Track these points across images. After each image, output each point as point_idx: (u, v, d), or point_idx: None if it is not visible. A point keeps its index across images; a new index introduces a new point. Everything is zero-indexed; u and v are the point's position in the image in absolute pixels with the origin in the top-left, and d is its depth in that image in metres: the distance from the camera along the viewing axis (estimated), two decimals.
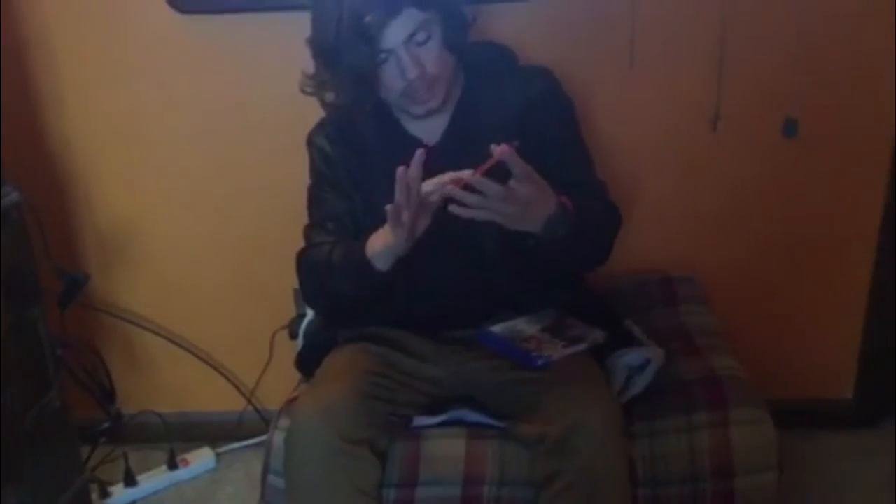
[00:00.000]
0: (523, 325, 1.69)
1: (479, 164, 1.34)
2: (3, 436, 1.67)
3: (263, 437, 1.79)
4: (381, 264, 1.51)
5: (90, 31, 2.08)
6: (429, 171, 1.39)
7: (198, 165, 2.19)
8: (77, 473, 1.98)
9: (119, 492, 2.21)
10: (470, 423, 1.66)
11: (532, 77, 1.70)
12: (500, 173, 1.34)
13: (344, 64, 1.54)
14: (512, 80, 1.69)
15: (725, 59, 2.02)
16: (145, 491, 2.23)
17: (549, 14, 2.02)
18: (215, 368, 2.36)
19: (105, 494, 2.19)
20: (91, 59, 2.10)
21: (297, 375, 1.85)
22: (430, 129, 1.65)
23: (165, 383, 2.39)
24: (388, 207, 1.39)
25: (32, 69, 2.11)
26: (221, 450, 2.37)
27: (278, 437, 1.62)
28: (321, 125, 1.73)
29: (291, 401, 1.72)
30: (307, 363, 1.78)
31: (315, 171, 1.72)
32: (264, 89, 2.10)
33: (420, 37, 1.52)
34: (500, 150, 1.32)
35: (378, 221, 1.47)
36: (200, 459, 2.32)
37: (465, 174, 1.35)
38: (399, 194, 1.37)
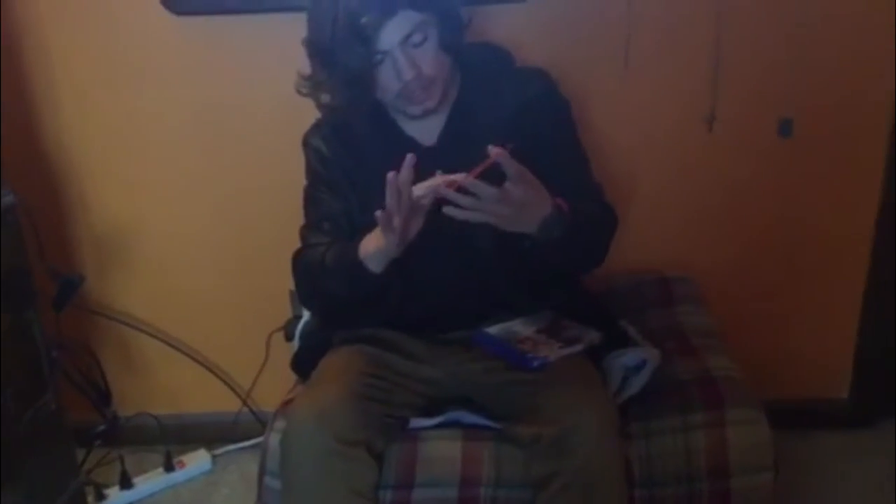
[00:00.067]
0: (519, 327, 1.69)
1: (475, 164, 1.34)
2: (2, 437, 1.67)
3: (259, 439, 1.78)
4: (374, 266, 1.51)
5: (85, 32, 2.07)
6: (425, 172, 1.39)
7: (193, 167, 2.19)
8: (73, 476, 1.98)
9: (115, 494, 2.21)
10: (466, 425, 1.66)
11: (528, 78, 1.70)
12: (495, 175, 1.34)
13: (340, 65, 1.54)
14: (508, 81, 1.69)
15: (721, 59, 2.02)
16: (141, 493, 2.23)
17: (545, 15, 2.02)
18: (211, 370, 2.36)
19: (101, 497, 2.19)
20: (86, 61, 2.10)
21: (293, 377, 1.85)
22: (426, 130, 1.65)
23: (161, 385, 2.39)
24: (378, 213, 1.39)
25: (27, 70, 2.11)
26: (217, 451, 2.37)
27: (274, 439, 1.61)
28: (317, 126, 1.73)
29: (287, 402, 1.72)
30: (303, 365, 1.78)
31: (311, 172, 1.72)
32: (260, 91, 2.09)
33: (416, 38, 1.52)
34: (494, 152, 1.32)
35: (373, 222, 1.47)
36: (196, 461, 2.32)
37: (458, 177, 1.35)
38: (390, 199, 1.37)
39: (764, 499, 1.61)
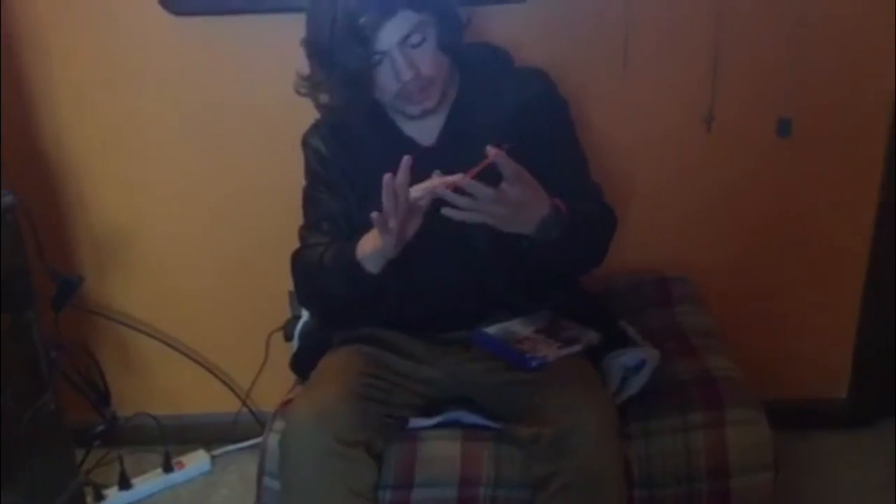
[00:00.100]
0: (518, 327, 1.69)
1: (474, 164, 1.34)
2: (3, 437, 1.66)
3: (258, 440, 1.78)
4: (372, 267, 1.51)
5: (84, 32, 2.07)
6: (424, 172, 1.39)
7: (192, 167, 2.19)
8: (71, 476, 1.98)
9: (114, 495, 2.20)
10: (466, 425, 1.66)
11: (527, 79, 1.70)
12: (493, 175, 1.34)
13: (338, 65, 1.54)
14: (507, 81, 1.69)
15: (719, 59, 2.02)
16: (140, 494, 2.23)
17: (543, 15, 2.02)
18: (210, 370, 2.36)
19: (100, 497, 2.18)
20: (84, 61, 2.10)
21: (293, 377, 1.85)
22: (425, 130, 1.65)
23: (160, 385, 2.38)
24: (374, 216, 1.38)
25: (26, 70, 2.10)
26: (216, 452, 2.37)
27: (273, 440, 1.61)
28: (316, 126, 1.73)
29: (286, 403, 1.72)
30: (302, 365, 1.78)
31: (310, 172, 1.72)
32: (259, 91, 2.09)
33: (414, 39, 1.52)
34: (491, 153, 1.32)
35: (368, 229, 1.47)
36: (195, 462, 2.32)
37: (455, 178, 1.35)
38: (386, 201, 1.37)
39: (763, 499, 1.61)
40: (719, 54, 2.01)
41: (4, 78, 2.06)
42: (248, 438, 2.34)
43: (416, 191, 1.40)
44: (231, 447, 2.37)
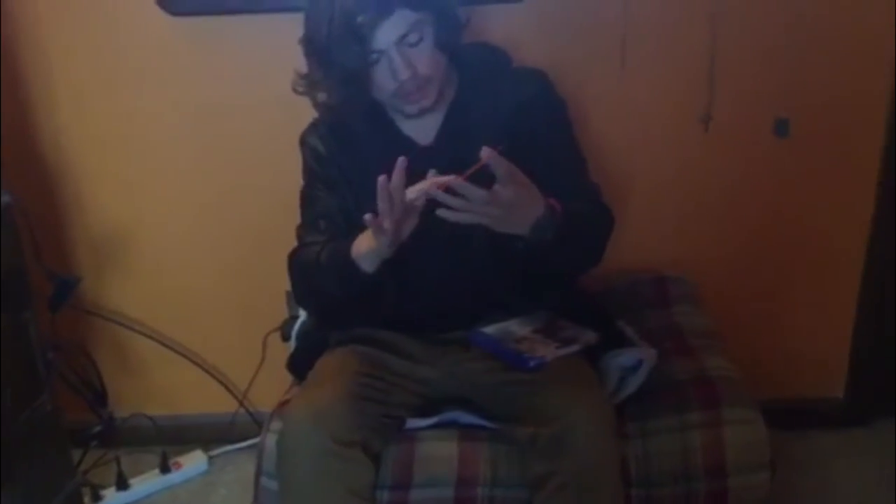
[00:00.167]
0: (515, 327, 1.69)
1: (472, 164, 1.33)
2: (3, 437, 1.66)
3: (256, 440, 1.78)
4: (367, 266, 1.51)
5: (82, 32, 2.07)
6: (422, 171, 1.39)
7: (189, 167, 2.18)
8: (69, 477, 1.97)
9: (111, 495, 2.20)
10: (463, 425, 1.66)
11: (525, 78, 1.70)
12: (487, 176, 1.34)
13: (336, 64, 1.54)
14: (505, 81, 1.69)
15: (717, 59, 2.02)
16: (137, 494, 2.22)
17: (541, 15, 2.02)
18: (207, 371, 2.35)
19: (97, 498, 2.18)
20: (83, 61, 2.10)
21: (290, 378, 1.85)
22: (423, 130, 1.65)
23: (157, 386, 2.38)
24: (367, 217, 1.38)
25: (24, 71, 2.10)
26: (214, 452, 2.36)
27: (271, 440, 1.61)
28: (314, 125, 1.73)
29: (284, 403, 1.72)
30: (299, 365, 1.78)
31: (308, 171, 1.72)
32: (256, 91, 2.09)
33: (412, 38, 1.52)
34: (484, 154, 1.32)
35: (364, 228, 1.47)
36: (193, 462, 2.31)
37: (449, 178, 1.35)
38: (381, 203, 1.37)
39: (760, 498, 1.62)
40: (716, 54, 2.02)
41: (3, 79, 2.05)
42: (245, 439, 2.34)
43: (412, 192, 1.39)
44: (228, 447, 2.37)
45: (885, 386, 2.27)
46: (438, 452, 1.61)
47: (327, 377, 1.61)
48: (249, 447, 2.27)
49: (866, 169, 2.12)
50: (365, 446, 1.51)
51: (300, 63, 1.62)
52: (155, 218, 2.23)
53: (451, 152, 1.45)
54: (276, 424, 1.64)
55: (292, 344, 1.96)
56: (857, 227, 2.17)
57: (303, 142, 1.73)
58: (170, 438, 2.35)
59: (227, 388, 2.36)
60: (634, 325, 1.87)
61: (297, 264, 1.67)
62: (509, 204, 1.38)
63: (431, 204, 1.38)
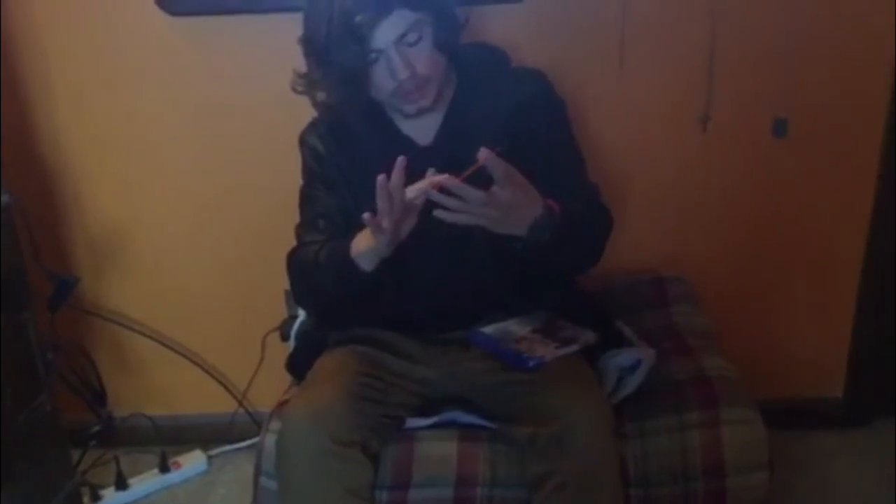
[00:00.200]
0: (514, 327, 1.69)
1: (471, 163, 1.33)
2: (2, 436, 1.66)
3: (255, 440, 1.78)
4: (366, 265, 1.50)
5: (80, 32, 2.07)
6: (421, 171, 1.39)
7: (188, 167, 2.18)
8: (68, 477, 1.97)
9: (110, 495, 2.20)
10: (462, 425, 1.66)
11: (525, 78, 1.70)
12: (486, 177, 1.34)
13: (334, 63, 1.54)
14: (504, 81, 1.69)
15: (715, 59, 2.02)
16: (136, 494, 2.22)
17: (540, 16, 2.02)
18: (206, 371, 2.35)
19: (96, 498, 2.18)
20: (81, 61, 2.10)
21: (289, 378, 1.85)
22: (422, 129, 1.65)
23: (156, 386, 2.38)
24: (366, 217, 1.38)
25: (23, 71, 2.10)
26: (213, 452, 2.36)
27: (270, 440, 1.62)
28: (313, 125, 1.73)
29: (283, 403, 1.72)
30: (298, 365, 1.78)
31: (307, 170, 1.72)
32: (255, 91, 2.09)
33: (411, 37, 1.52)
34: (482, 156, 1.32)
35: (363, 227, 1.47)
36: (192, 462, 2.31)
37: (444, 178, 1.35)
38: (381, 201, 1.37)
39: (759, 498, 1.62)
40: (715, 54, 2.02)
41: (2, 78, 2.05)
42: (244, 439, 2.34)
43: (412, 191, 1.39)
44: (227, 447, 2.37)
45: (884, 386, 2.27)
46: (437, 452, 1.61)
47: (326, 377, 1.61)
48: (248, 447, 2.27)
49: (865, 168, 2.12)
50: (364, 446, 1.51)
51: (299, 63, 1.62)
52: (154, 218, 2.23)
53: (450, 152, 1.46)
54: (275, 424, 1.64)
55: (291, 344, 1.96)
56: (856, 227, 2.17)
57: (302, 141, 1.73)
58: (169, 438, 2.35)
59: (226, 387, 2.36)
60: (633, 324, 1.87)
61: (296, 263, 1.67)
62: (507, 205, 1.38)
63: (429, 205, 1.38)
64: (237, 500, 2.20)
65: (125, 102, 2.13)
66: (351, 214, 1.64)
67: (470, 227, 1.39)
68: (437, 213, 1.37)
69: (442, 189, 1.34)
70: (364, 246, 1.49)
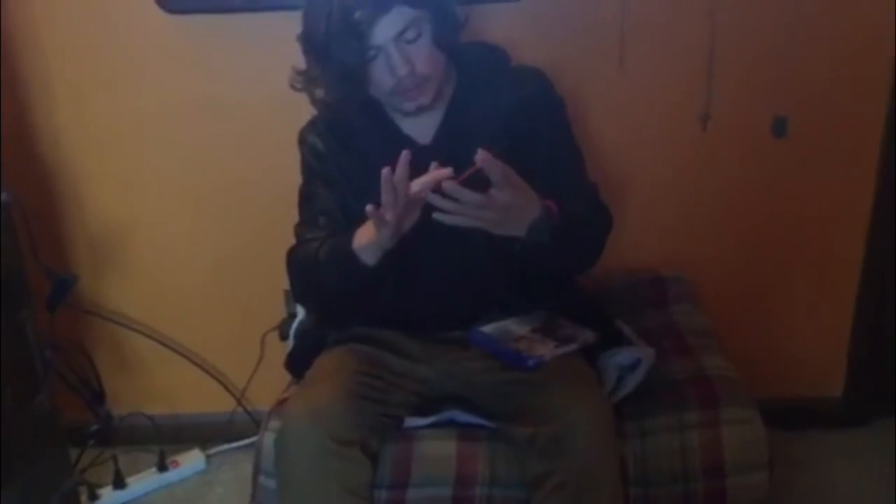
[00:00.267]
0: (514, 326, 1.69)
1: (470, 162, 1.33)
2: (1, 435, 1.66)
3: (254, 439, 1.78)
4: (368, 258, 1.50)
5: (80, 31, 2.07)
6: (421, 170, 1.39)
7: (187, 166, 2.18)
8: (66, 476, 1.97)
9: (108, 494, 2.20)
10: (461, 424, 1.66)
11: (524, 77, 1.70)
12: (484, 178, 1.34)
13: (333, 60, 1.53)
14: (504, 80, 1.68)
15: (715, 58, 2.02)
16: (135, 493, 2.22)
17: (540, 14, 2.02)
18: (205, 370, 2.35)
19: (94, 497, 2.18)
20: (81, 60, 2.09)
21: (288, 376, 1.85)
22: (422, 128, 1.65)
23: (155, 385, 2.38)
24: (369, 209, 1.38)
25: (22, 70, 2.10)
26: (211, 451, 2.36)
27: (268, 439, 1.61)
28: (313, 123, 1.73)
29: (281, 402, 1.72)
30: (297, 364, 1.78)
31: (306, 168, 1.72)
32: (255, 90, 2.09)
33: (410, 34, 1.52)
34: (479, 158, 1.31)
35: (367, 219, 1.47)
36: (190, 461, 2.31)
37: (445, 171, 1.35)
38: (385, 195, 1.37)
39: (758, 498, 1.62)
40: (715, 53, 2.02)
41: (2, 78, 2.05)
42: (243, 438, 2.33)
43: (416, 185, 1.39)
44: (226, 446, 2.37)
45: (883, 385, 2.27)
46: (437, 451, 1.61)
47: (325, 376, 1.61)
48: (247, 446, 2.27)
49: (865, 167, 2.12)
50: (363, 445, 1.51)
51: (298, 62, 1.62)
52: (153, 217, 2.23)
53: (449, 151, 1.45)
54: (274, 423, 1.64)
55: (290, 343, 1.96)
56: (856, 226, 2.17)
57: (302, 139, 1.72)
58: (167, 437, 2.35)
59: (225, 386, 2.36)
60: (633, 324, 1.87)
61: (296, 261, 1.66)
62: (505, 207, 1.38)
63: (429, 207, 1.38)
64: (236, 499, 2.19)
65: (125, 101, 2.13)
66: (351, 212, 1.64)
67: (469, 227, 1.39)
68: (436, 215, 1.37)
69: (440, 191, 1.34)
70: (366, 239, 1.49)
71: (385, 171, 1.35)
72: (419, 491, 1.59)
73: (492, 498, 1.58)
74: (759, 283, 2.23)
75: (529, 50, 1.89)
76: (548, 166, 1.58)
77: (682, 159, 2.12)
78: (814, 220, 2.17)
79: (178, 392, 2.39)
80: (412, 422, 1.65)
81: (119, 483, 2.20)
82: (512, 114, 1.63)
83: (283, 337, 2.07)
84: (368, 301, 1.61)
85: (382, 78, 1.55)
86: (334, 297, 1.63)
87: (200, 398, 2.37)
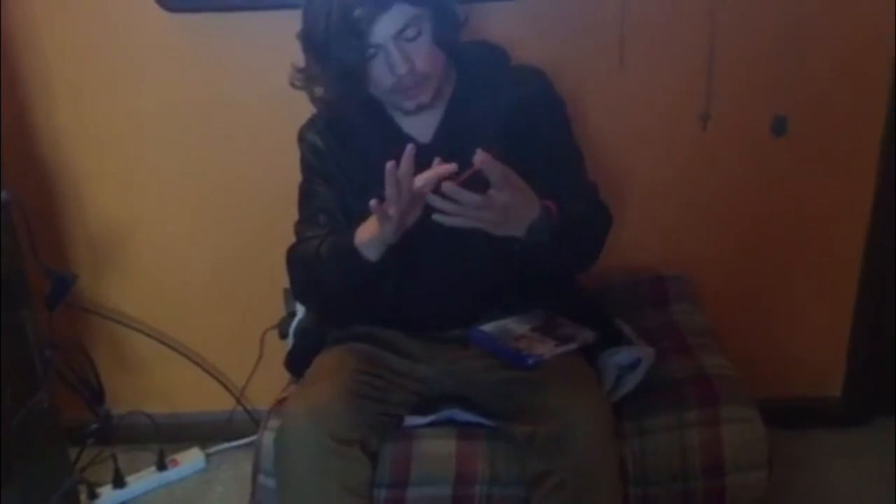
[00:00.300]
0: (514, 324, 1.69)
1: (471, 162, 1.33)
2: (1, 434, 1.66)
3: (253, 438, 1.78)
4: (371, 254, 1.50)
5: (80, 30, 2.07)
6: (421, 168, 1.39)
7: (187, 165, 2.18)
8: (66, 475, 1.97)
9: (108, 493, 2.20)
10: (461, 423, 1.66)
11: (524, 77, 1.70)
12: (483, 180, 1.34)
13: (333, 58, 1.53)
14: (504, 79, 1.68)
15: (715, 57, 2.02)
16: (134, 492, 2.22)
17: (539, 13, 2.02)
18: (205, 369, 2.35)
19: (93, 496, 2.18)
20: (80, 59, 2.09)
21: (287, 375, 1.85)
22: (422, 127, 1.65)
23: (154, 384, 2.38)
24: (373, 203, 1.38)
25: (22, 69, 2.10)
26: (211, 450, 2.36)
27: (268, 438, 1.61)
28: (312, 121, 1.73)
29: (281, 401, 1.72)
30: (297, 363, 1.78)
31: (306, 166, 1.71)
32: (255, 89, 2.09)
33: (410, 32, 1.52)
34: (478, 160, 1.31)
35: (369, 212, 1.47)
36: (190, 460, 2.31)
37: (450, 167, 1.35)
38: (390, 189, 1.37)
39: (758, 497, 1.62)
40: (715, 52, 2.01)
41: (2, 77, 2.05)
42: (242, 436, 2.33)
43: (420, 180, 1.39)
44: (226, 445, 2.37)
45: (883, 385, 2.27)
46: (436, 450, 1.61)
47: (325, 375, 1.61)
48: (247, 445, 2.27)
49: (865, 167, 2.11)
50: (363, 444, 1.51)
51: (298, 60, 1.62)
52: (153, 216, 2.23)
53: (449, 150, 1.45)
54: (273, 422, 1.64)
55: (290, 341, 1.95)
56: (856, 226, 2.17)
57: (301, 137, 1.72)
58: (167, 436, 2.34)
59: (224, 385, 2.36)
60: (632, 323, 1.87)
61: (297, 259, 1.66)
62: (504, 208, 1.38)
63: (428, 207, 1.38)
64: (235, 498, 2.19)
65: (124, 100, 2.12)
66: (351, 210, 1.63)
67: (468, 228, 1.39)
68: (435, 216, 1.37)
69: (439, 193, 1.34)
70: (368, 235, 1.49)
71: (390, 164, 1.35)
72: (419, 490, 1.59)
73: (491, 497, 1.58)
74: (759, 282, 2.23)
75: (529, 49, 1.89)
76: (548, 166, 1.58)
77: (682, 159, 2.12)
78: (814, 219, 2.17)
79: (178, 391, 2.38)
80: (412, 420, 1.65)
81: (118, 482, 2.20)
82: (512, 113, 1.63)
83: (283, 336, 2.07)
84: (369, 298, 1.61)
85: (382, 76, 1.55)
86: (335, 295, 1.63)
87: (200, 397, 2.37)
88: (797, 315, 2.26)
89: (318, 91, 1.63)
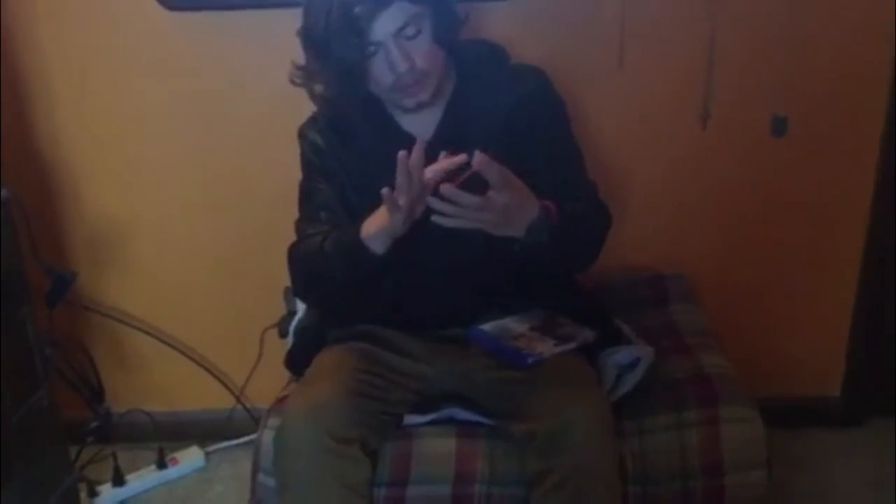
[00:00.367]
0: (513, 324, 1.69)
1: (469, 163, 1.33)
2: (1, 433, 1.66)
3: (253, 436, 1.78)
4: (377, 246, 1.49)
5: (79, 28, 2.07)
6: (423, 166, 1.39)
7: (187, 163, 2.18)
8: (65, 473, 1.98)
9: (107, 491, 2.20)
10: (460, 422, 1.66)
11: (524, 76, 1.70)
12: (482, 180, 1.34)
13: (333, 56, 1.53)
14: (504, 78, 1.68)
15: (715, 57, 2.02)
16: (134, 490, 2.22)
17: (539, 13, 2.02)
18: (204, 367, 2.35)
19: (93, 494, 2.18)
20: (80, 58, 2.09)
21: (287, 374, 1.85)
22: (422, 125, 1.64)
23: (154, 382, 2.38)
24: (385, 192, 1.38)
25: (22, 68, 2.10)
26: (211, 449, 2.36)
27: (268, 436, 1.61)
28: (313, 119, 1.73)
29: (281, 400, 1.72)
30: (297, 362, 1.78)
31: (307, 164, 1.71)
32: (255, 87, 2.09)
33: (410, 30, 1.52)
34: (476, 161, 1.31)
35: (371, 207, 1.47)
36: (189, 458, 2.31)
37: (460, 158, 1.36)
38: (401, 178, 1.37)
39: (757, 496, 1.62)
40: (715, 51, 2.01)
41: (2, 76, 2.05)
42: (242, 435, 2.34)
43: (429, 171, 1.39)
44: (225, 444, 2.37)
45: (882, 385, 2.27)
46: (436, 449, 1.61)
47: (325, 374, 1.61)
48: (246, 443, 2.27)
49: (865, 166, 2.11)
50: (362, 443, 1.51)
51: (298, 58, 1.62)
52: (153, 214, 2.23)
53: (449, 148, 1.45)
54: (273, 421, 1.64)
55: (290, 340, 1.95)
56: (855, 225, 2.17)
57: (302, 135, 1.72)
58: (167, 434, 2.35)
59: (224, 384, 2.36)
60: (632, 322, 1.87)
61: (299, 256, 1.66)
62: (504, 208, 1.38)
63: (428, 209, 1.38)
64: (235, 497, 2.19)
65: (124, 98, 2.12)
66: (351, 208, 1.63)
67: (468, 229, 1.39)
68: (435, 218, 1.37)
69: (438, 194, 1.34)
70: (376, 227, 1.48)
71: (401, 154, 1.35)
72: (418, 488, 1.59)
73: (491, 495, 1.58)
74: (758, 282, 2.23)
75: (529, 48, 1.89)
76: (547, 165, 1.58)
77: (682, 158, 2.12)
78: (814, 219, 2.17)
79: (178, 389, 2.39)
80: (411, 419, 1.66)
81: (118, 480, 2.21)
82: (511, 112, 1.63)
83: (283, 334, 2.07)
84: (370, 295, 1.61)
85: (382, 74, 1.55)
86: (338, 290, 1.62)
87: (200, 395, 2.37)
88: (797, 315, 2.26)
89: (318, 89, 1.64)
